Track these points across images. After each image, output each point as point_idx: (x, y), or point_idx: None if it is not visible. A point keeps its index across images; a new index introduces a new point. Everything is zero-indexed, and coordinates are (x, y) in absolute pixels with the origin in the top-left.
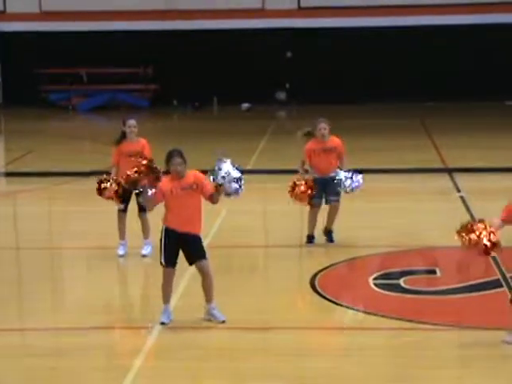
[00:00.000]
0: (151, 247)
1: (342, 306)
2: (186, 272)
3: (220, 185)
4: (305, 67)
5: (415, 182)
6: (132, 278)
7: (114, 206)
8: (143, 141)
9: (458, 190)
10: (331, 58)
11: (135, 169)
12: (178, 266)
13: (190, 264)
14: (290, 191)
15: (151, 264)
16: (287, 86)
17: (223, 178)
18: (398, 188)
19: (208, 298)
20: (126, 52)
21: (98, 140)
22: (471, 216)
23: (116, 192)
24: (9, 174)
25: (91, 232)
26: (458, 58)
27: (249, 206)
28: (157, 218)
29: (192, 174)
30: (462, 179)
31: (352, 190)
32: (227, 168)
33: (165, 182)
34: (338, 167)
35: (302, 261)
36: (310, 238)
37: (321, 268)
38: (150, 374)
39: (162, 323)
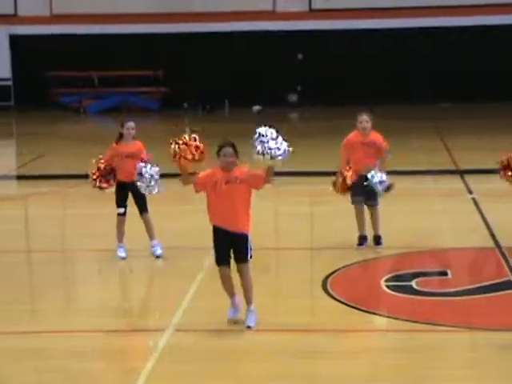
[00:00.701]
0: (161, 247)
1: (353, 307)
2: (198, 273)
3: (271, 157)
4: (316, 69)
5: (427, 184)
6: (145, 280)
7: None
8: (139, 143)
9: (470, 192)
10: (342, 59)
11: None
12: (194, 265)
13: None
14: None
15: (164, 265)
16: (299, 88)
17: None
18: (409, 190)
19: (246, 299)
20: (137, 55)
21: (108, 143)
22: (482, 218)
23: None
24: (20, 177)
25: (103, 234)
26: (470, 59)
27: (260, 208)
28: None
29: (237, 169)
30: (474, 181)
31: (382, 194)
32: (263, 133)
33: (209, 172)
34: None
35: (313, 263)
36: (361, 240)
37: (333, 270)
38: (163, 377)
39: (230, 319)
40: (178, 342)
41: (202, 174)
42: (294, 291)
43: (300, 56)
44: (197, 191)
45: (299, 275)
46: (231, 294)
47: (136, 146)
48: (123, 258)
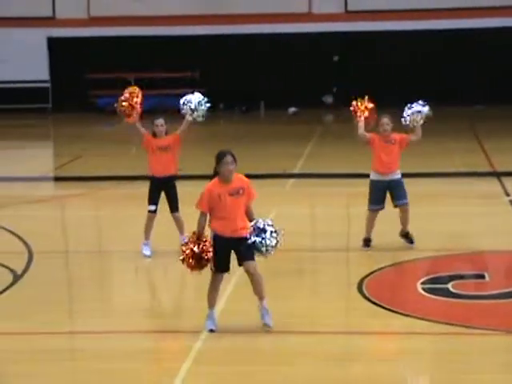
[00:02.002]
0: None
1: (389, 310)
2: (233, 276)
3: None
4: (352, 71)
5: (463, 186)
6: (180, 281)
7: (159, 210)
8: (171, 136)
9: (507, 194)
10: (378, 61)
11: None
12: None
13: (239, 265)
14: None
15: None
16: (334, 89)
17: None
18: (445, 192)
19: (259, 296)
20: (174, 56)
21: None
22: None
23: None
24: (58, 179)
25: (139, 235)
26: (508, 60)
27: (296, 210)
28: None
29: (238, 178)
30: (511, 183)
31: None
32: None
33: (211, 187)
34: None
35: (349, 265)
36: (367, 242)
37: (368, 272)
38: (198, 378)
39: (211, 330)
40: (213, 343)
41: (202, 197)
42: (330, 293)
43: (336, 58)
44: (204, 213)
45: (335, 277)
46: (213, 304)
47: (168, 139)
48: (148, 256)
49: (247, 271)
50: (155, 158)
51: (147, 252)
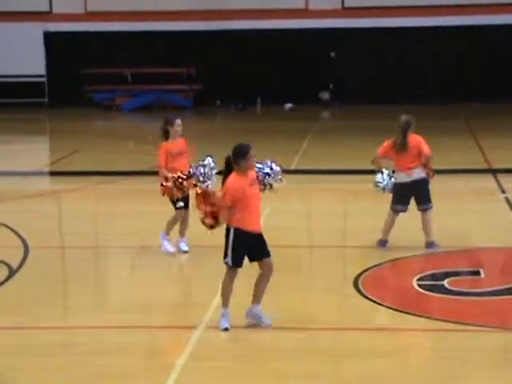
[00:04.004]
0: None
1: (385, 306)
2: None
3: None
4: (348, 67)
5: (459, 183)
6: (175, 277)
7: (156, 206)
8: (183, 140)
9: (503, 191)
10: (375, 57)
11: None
12: (223, 265)
13: (252, 261)
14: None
15: (194, 263)
16: (331, 86)
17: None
18: (441, 189)
19: (260, 298)
20: (170, 52)
21: (141, 140)
22: None
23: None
24: (54, 174)
25: (135, 231)
26: (504, 58)
27: (292, 206)
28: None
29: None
30: (507, 180)
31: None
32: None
33: (234, 182)
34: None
35: (345, 261)
36: (383, 242)
37: (364, 268)
38: (193, 374)
39: (226, 329)
40: (209, 338)
41: (227, 192)
42: (326, 289)
43: (332, 54)
44: (227, 207)
45: (331, 273)
46: (228, 302)
47: (181, 142)
48: (185, 252)
49: (267, 266)
50: (173, 163)
51: (184, 248)
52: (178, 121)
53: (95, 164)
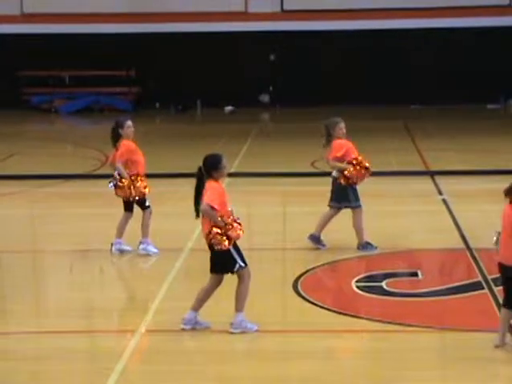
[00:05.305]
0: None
1: (324, 308)
2: (168, 275)
3: None
4: (288, 70)
5: (398, 185)
6: (114, 280)
7: (94, 209)
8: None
9: (440, 193)
10: (314, 60)
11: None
12: (163, 268)
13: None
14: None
15: (134, 267)
16: (271, 88)
17: None
18: (380, 190)
19: (242, 305)
20: (109, 54)
21: (79, 143)
22: (453, 219)
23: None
24: None
25: (72, 234)
26: (444, 61)
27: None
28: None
29: None
30: (444, 182)
31: None
32: None
33: (217, 186)
34: None
35: (284, 264)
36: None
37: (304, 271)
38: (132, 378)
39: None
40: (148, 342)
41: (214, 194)
42: (265, 292)
43: (272, 57)
44: (215, 209)
45: (270, 276)
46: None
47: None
48: (155, 253)
49: (247, 275)
50: (137, 158)
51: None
52: (129, 122)
53: (32, 167)
